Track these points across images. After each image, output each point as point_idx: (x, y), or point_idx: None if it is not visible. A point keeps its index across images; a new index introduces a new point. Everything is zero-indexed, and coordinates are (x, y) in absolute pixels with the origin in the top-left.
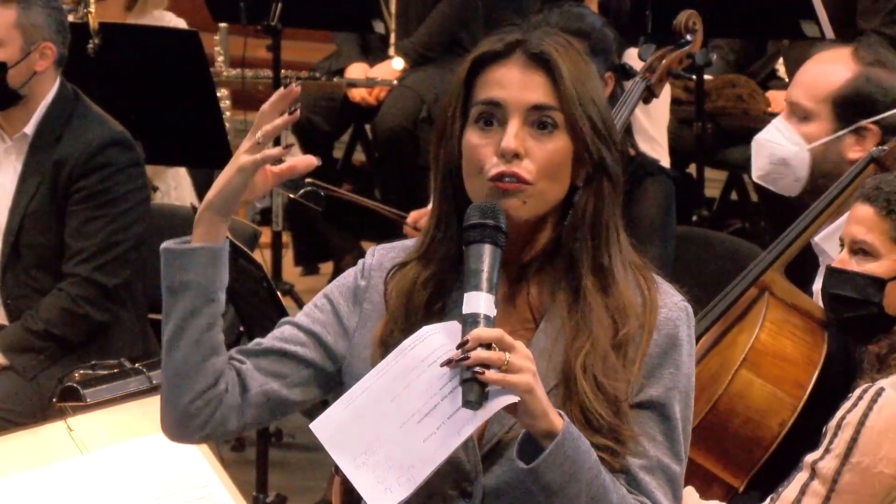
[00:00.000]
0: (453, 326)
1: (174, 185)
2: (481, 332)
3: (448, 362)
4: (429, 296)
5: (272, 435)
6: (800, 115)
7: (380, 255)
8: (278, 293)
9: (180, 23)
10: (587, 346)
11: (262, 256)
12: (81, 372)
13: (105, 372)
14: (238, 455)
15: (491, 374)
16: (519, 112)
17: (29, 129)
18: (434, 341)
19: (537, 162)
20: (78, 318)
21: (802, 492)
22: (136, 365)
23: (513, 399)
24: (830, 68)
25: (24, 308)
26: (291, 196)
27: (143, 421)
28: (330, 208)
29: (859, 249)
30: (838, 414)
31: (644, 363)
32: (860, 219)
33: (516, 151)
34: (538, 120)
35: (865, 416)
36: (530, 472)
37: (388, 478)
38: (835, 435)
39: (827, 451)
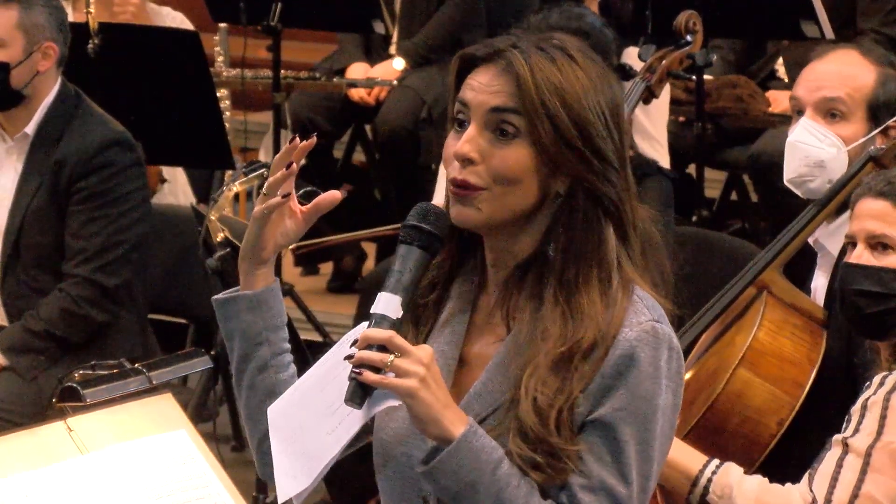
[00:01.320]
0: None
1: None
2: (372, 332)
3: (347, 358)
4: (428, 287)
5: None
6: (833, 115)
7: None
8: None
9: (179, 16)
10: (535, 358)
11: None
12: (81, 372)
13: (105, 372)
14: (238, 455)
15: (368, 375)
16: (479, 114)
17: (30, 128)
18: None
19: (491, 168)
20: (78, 318)
21: (839, 465)
22: (136, 365)
23: (393, 403)
24: (857, 69)
25: (25, 308)
26: None
27: (143, 421)
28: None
29: (878, 244)
30: (860, 399)
31: (595, 382)
32: (875, 214)
33: (467, 156)
34: (498, 125)
35: (889, 395)
36: (424, 476)
37: (296, 467)
38: (862, 416)
39: (857, 430)
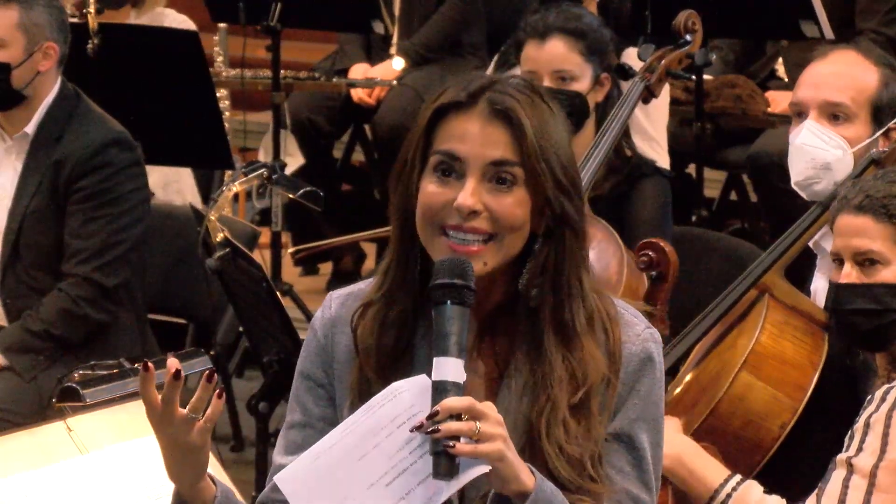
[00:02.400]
0: (423, 382)
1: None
2: (452, 402)
3: (419, 427)
4: (396, 337)
5: (272, 435)
6: (837, 117)
7: (337, 307)
8: (277, 293)
9: (181, 19)
10: (547, 407)
11: (262, 257)
12: (81, 372)
13: (104, 372)
14: (237, 455)
15: (462, 447)
16: (478, 168)
17: (30, 128)
18: (404, 400)
19: (496, 218)
20: (78, 318)
21: (846, 485)
22: (136, 365)
23: (485, 468)
24: (860, 71)
25: (24, 308)
26: (291, 196)
27: (143, 421)
28: (329, 208)
29: (865, 260)
30: (863, 416)
31: (612, 404)
32: (858, 230)
33: (473, 209)
34: (497, 175)
35: (892, 412)
36: None
37: None
38: (865, 433)
39: (860, 449)
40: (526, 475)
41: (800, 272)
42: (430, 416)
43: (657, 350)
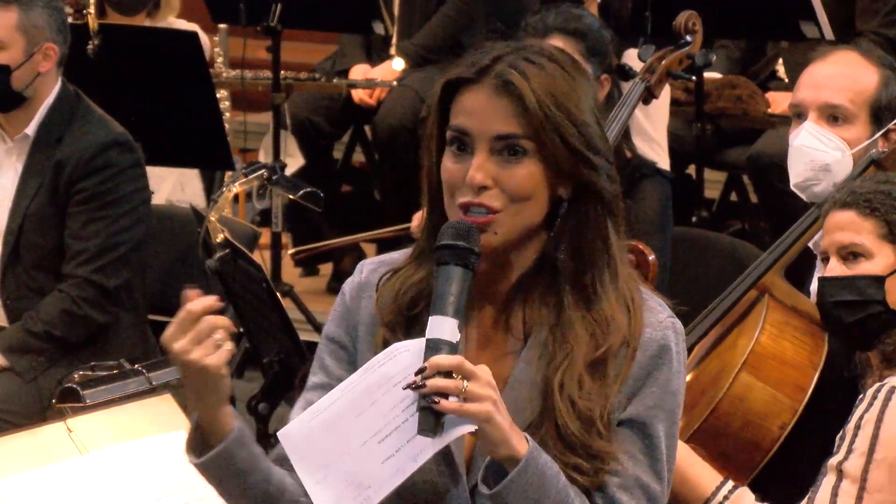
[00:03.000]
0: (423, 344)
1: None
2: (440, 359)
3: (409, 386)
4: (412, 300)
5: (272, 436)
6: (836, 118)
7: (367, 273)
8: (278, 294)
9: (190, 27)
10: (564, 363)
11: (262, 257)
12: (81, 373)
13: (104, 373)
14: None
15: (447, 404)
16: (485, 142)
17: (30, 129)
18: (403, 360)
19: (507, 190)
20: (78, 319)
21: (835, 493)
22: (136, 366)
23: (471, 427)
24: (860, 72)
25: (24, 309)
26: (291, 197)
27: (143, 422)
28: (329, 209)
29: (849, 254)
30: (855, 415)
31: (627, 383)
32: (843, 224)
33: (482, 184)
34: (505, 148)
35: (882, 412)
36: (492, 497)
37: (346, 496)
38: (855, 435)
39: (850, 451)
40: (518, 441)
41: (800, 273)
42: (419, 372)
43: (677, 340)
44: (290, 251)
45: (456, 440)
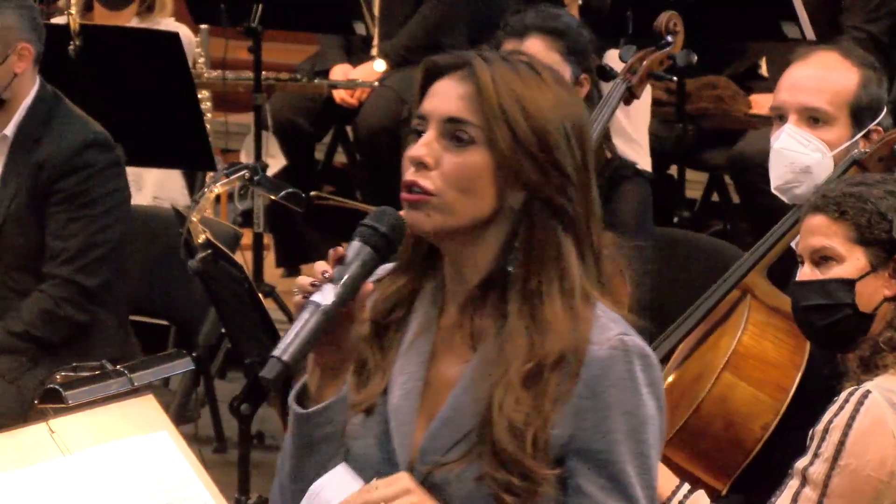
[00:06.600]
0: (340, 473)
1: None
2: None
3: None
4: (389, 310)
5: (254, 437)
6: (816, 120)
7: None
8: (260, 295)
9: (178, 27)
10: (504, 378)
11: (244, 258)
12: (63, 374)
13: (86, 374)
14: (220, 457)
15: None
16: (435, 122)
17: (9, 130)
18: (325, 496)
19: (445, 173)
20: (59, 319)
21: (795, 499)
22: (118, 367)
23: None
24: (839, 73)
25: (5, 310)
26: (273, 198)
27: (125, 423)
28: (311, 210)
29: (820, 258)
30: (825, 418)
31: (569, 401)
32: (814, 229)
33: (422, 160)
34: (453, 133)
35: (853, 418)
36: None
37: None
38: (822, 439)
39: (815, 455)
40: None
41: (784, 274)
42: None
43: (627, 359)
44: (313, 193)
45: (401, 444)
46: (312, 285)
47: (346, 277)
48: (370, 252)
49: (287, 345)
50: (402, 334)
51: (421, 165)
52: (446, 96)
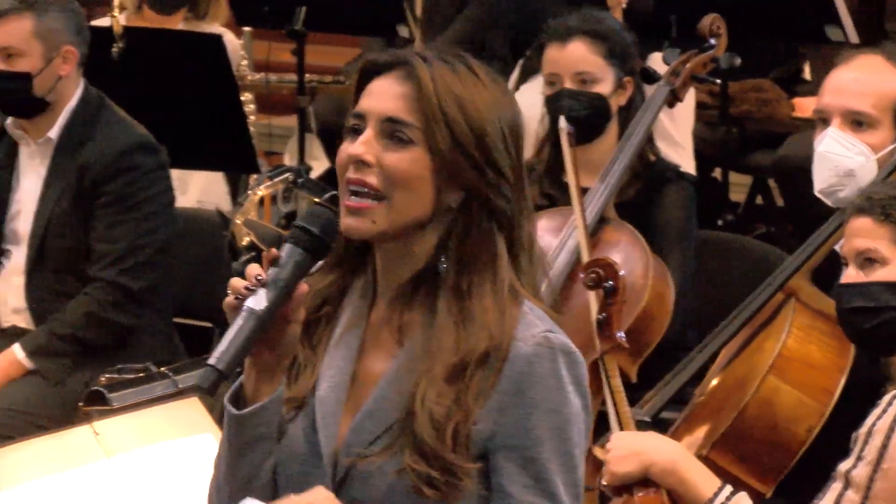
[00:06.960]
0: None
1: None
2: None
3: None
4: (318, 306)
5: None
6: (860, 123)
7: None
8: None
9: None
10: (430, 370)
11: None
12: (108, 376)
13: (131, 376)
14: None
15: None
16: (374, 121)
17: (53, 133)
18: None
19: (386, 171)
20: (104, 321)
21: (838, 502)
22: (163, 369)
23: None
24: (883, 76)
25: (50, 312)
26: (316, 200)
27: (169, 425)
28: None
29: (865, 260)
30: (868, 421)
31: (492, 397)
32: (859, 231)
33: (362, 158)
34: (392, 132)
35: (893, 426)
36: None
37: None
38: (865, 442)
39: (859, 458)
40: None
41: (829, 277)
42: None
43: (552, 356)
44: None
45: (326, 436)
46: (247, 289)
47: (279, 280)
48: (303, 254)
49: (222, 352)
50: (332, 329)
51: (361, 164)
52: (385, 96)
